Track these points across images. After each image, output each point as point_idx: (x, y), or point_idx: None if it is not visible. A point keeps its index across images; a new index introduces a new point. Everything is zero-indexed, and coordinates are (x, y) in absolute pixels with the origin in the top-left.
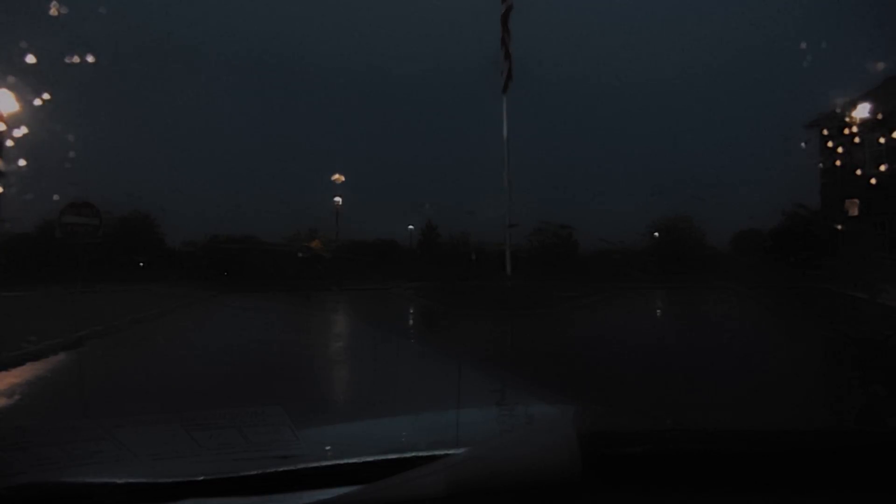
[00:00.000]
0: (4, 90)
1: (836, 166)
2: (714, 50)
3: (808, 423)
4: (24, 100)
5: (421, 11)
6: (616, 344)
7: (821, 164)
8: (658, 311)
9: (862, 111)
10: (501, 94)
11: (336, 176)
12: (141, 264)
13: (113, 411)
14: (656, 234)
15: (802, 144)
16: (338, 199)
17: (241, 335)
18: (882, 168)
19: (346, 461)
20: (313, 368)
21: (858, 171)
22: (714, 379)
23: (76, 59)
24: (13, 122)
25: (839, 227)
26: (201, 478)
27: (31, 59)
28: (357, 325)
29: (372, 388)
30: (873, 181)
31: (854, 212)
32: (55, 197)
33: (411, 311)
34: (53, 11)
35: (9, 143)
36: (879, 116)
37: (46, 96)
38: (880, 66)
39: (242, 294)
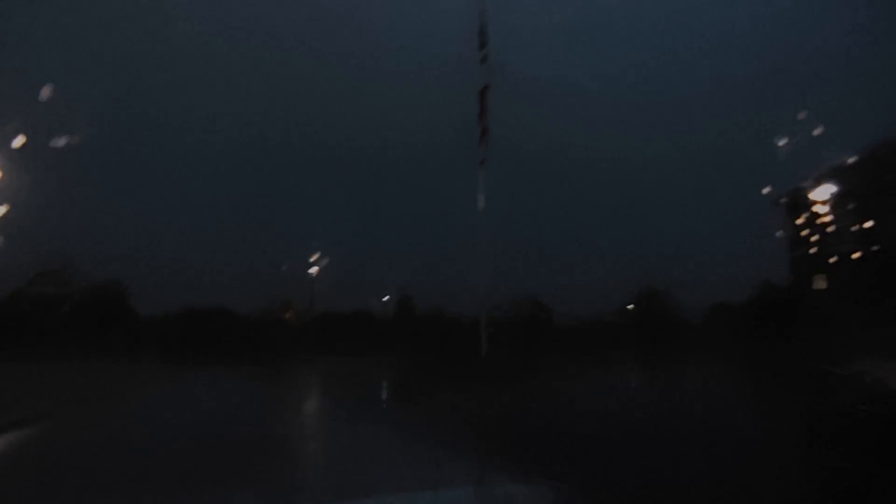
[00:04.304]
0: None
1: (804, 242)
2: (686, 129)
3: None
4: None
5: (396, 85)
6: (593, 420)
7: (789, 240)
8: (634, 385)
9: (826, 190)
10: (479, 167)
11: (314, 257)
12: (108, 335)
13: None
14: (630, 307)
15: (779, 234)
16: (313, 270)
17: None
18: (846, 245)
19: None
20: (284, 452)
21: (816, 248)
22: (691, 456)
23: (50, 136)
24: None
25: (808, 301)
26: None
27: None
28: (328, 402)
29: (345, 471)
30: (833, 259)
31: (822, 286)
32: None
33: (385, 386)
34: (46, 94)
35: None
36: (840, 195)
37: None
38: (847, 147)
39: (213, 368)
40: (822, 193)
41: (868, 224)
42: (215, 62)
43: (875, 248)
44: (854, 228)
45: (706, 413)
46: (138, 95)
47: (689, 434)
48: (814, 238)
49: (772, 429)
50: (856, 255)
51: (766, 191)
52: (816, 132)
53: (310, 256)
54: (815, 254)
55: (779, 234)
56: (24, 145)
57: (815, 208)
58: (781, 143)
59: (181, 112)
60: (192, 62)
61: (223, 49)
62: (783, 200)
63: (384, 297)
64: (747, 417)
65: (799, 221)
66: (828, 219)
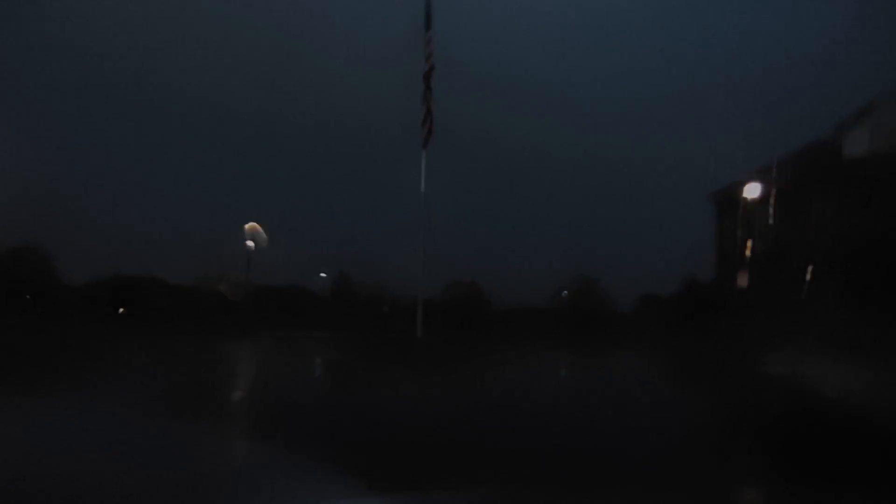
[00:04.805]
0: None
1: (730, 239)
2: (628, 122)
3: None
4: None
5: (338, 59)
6: (514, 414)
7: (716, 237)
8: (563, 374)
9: (751, 190)
10: (421, 149)
11: (249, 225)
12: (28, 297)
13: None
14: (564, 293)
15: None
16: (250, 242)
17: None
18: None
19: None
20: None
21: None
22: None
23: None
24: None
25: (733, 297)
26: None
27: None
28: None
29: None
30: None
31: (744, 283)
32: None
33: (318, 365)
34: None
35: None
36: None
37: None
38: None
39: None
40: (750, 192)
41: (790, 222)
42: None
43: (796, 245)
44: (775, 226)
45: (631, 408)
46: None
47: (606, 431)
48: (740, 235)
49: (696, 427)
50: (778, 253)
51: (698, 188)
52: (756, 130)
53: (246, 227)
54: (740, 251)
55: (707, 231)
56: None
57: (742, 206)
58: (718, 140)
59: (111, 65)
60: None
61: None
62: (715, 196)
63: (321, 273)
64: (674, 415)
65: (726, 219)
66: (753, 217)
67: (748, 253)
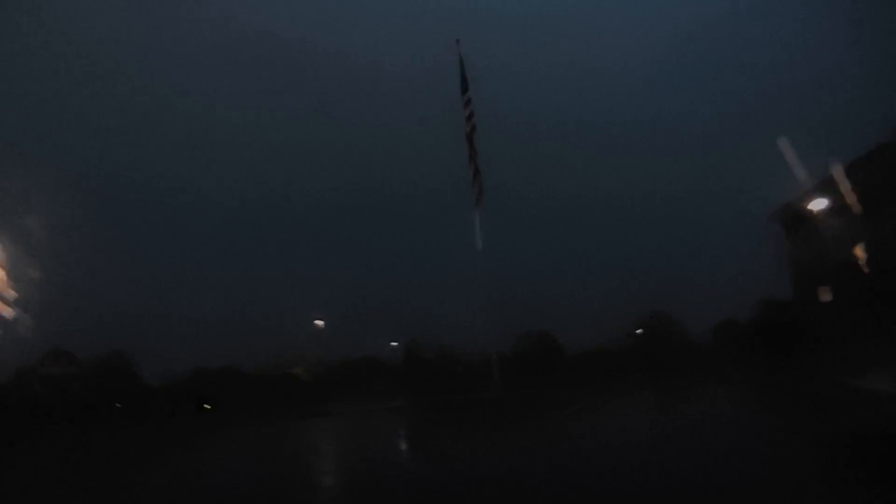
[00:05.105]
0: None
1: (803, 255)
2: (675, 151)
3: None
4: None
5: (388, 137)
6: (616, 460)
7: (787, 254)
8: (649, 416)
9: (818, 202)
10: (474, 208)
11: (318, 322)
12: (118, 405)
13: None
14: (638, 331)
15: (778, 249)
16: (319, 322)
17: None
18: (844, 255)
19: None
20: None
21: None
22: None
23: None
24: None
25: (812, 315)
26: None
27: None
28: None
29: None
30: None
31: (827, 298)
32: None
33: (400, 436)
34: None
35: None
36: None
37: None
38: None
39: (223, 428)
40: (818, 204)
41: (865, 233)
42: (216, 125)
43: (873, 257)
44: (851, 238)
45: (726, 443)
46: (131, 161)
47: (709, 468)
48: (812, 251)
49: (792, 453)
50: (855, 266)
51: (763, 206)
52: (812, 144)
53: (314, 307)
54: (814, 267)
55: (777, 249)
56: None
57: (811, 220)
58: (777, 157)
59: (174, 175)
60: (192, 127)
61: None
62: (779, 214)
63: (391, 342)
64: (766, 442)
65: (796, 235)
66: (824, 231)
67: (823, 269)
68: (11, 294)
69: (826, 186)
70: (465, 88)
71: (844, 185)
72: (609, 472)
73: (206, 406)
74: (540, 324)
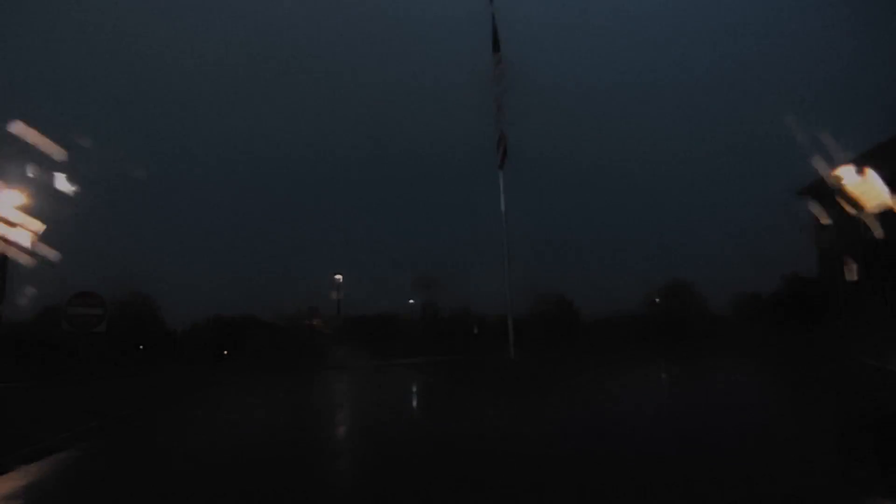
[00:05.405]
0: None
1: (831, 232)
2: (707, 122)
3: None
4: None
5: (418, 91)
6: (629, 431)
7: (815, 230)
8: (665, 386)
9: (850, 177)
10: (498, 170)
11: (337, 276)
12: (141, 347)
13: None
14: (657, 300)
15: (805, 224)
16: (338, 276)
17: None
18: (875, 234)
19: None
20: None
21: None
22: (734, 465)
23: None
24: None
25: (839, 290)
26: None
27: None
28: (359, 417)
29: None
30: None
31: (853, 276)
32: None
33: (414, 392)
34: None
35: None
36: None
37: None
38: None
39: (244, 377)
40: (847, 180)
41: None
42: (241, 81)
43: None
44: (881, 218)
45: (743, 415)
46: (165, 123)
47: (729, 439)
48: (841, 229)
49: (813, 430)
50: (884, 246)
51: (793, 181)
52: (848, 120)
53: (334, 261)
54: (842, 245)
55: (805, 224)
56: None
57: (840, 196)
58: (805, 130)
59: (206, 131)
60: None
61: (248, 69)
62: (808, 189)
63: (410, 300)
64: (788, 418)
65: (825, 210)
66: (853, 207)
67: (850, 245)
68: (41, 233)
69: (860, 163)
70: (496, 48)
71: (879, 163)
72: (612, 437)
73: (224, 353)
74: (559, 288)
